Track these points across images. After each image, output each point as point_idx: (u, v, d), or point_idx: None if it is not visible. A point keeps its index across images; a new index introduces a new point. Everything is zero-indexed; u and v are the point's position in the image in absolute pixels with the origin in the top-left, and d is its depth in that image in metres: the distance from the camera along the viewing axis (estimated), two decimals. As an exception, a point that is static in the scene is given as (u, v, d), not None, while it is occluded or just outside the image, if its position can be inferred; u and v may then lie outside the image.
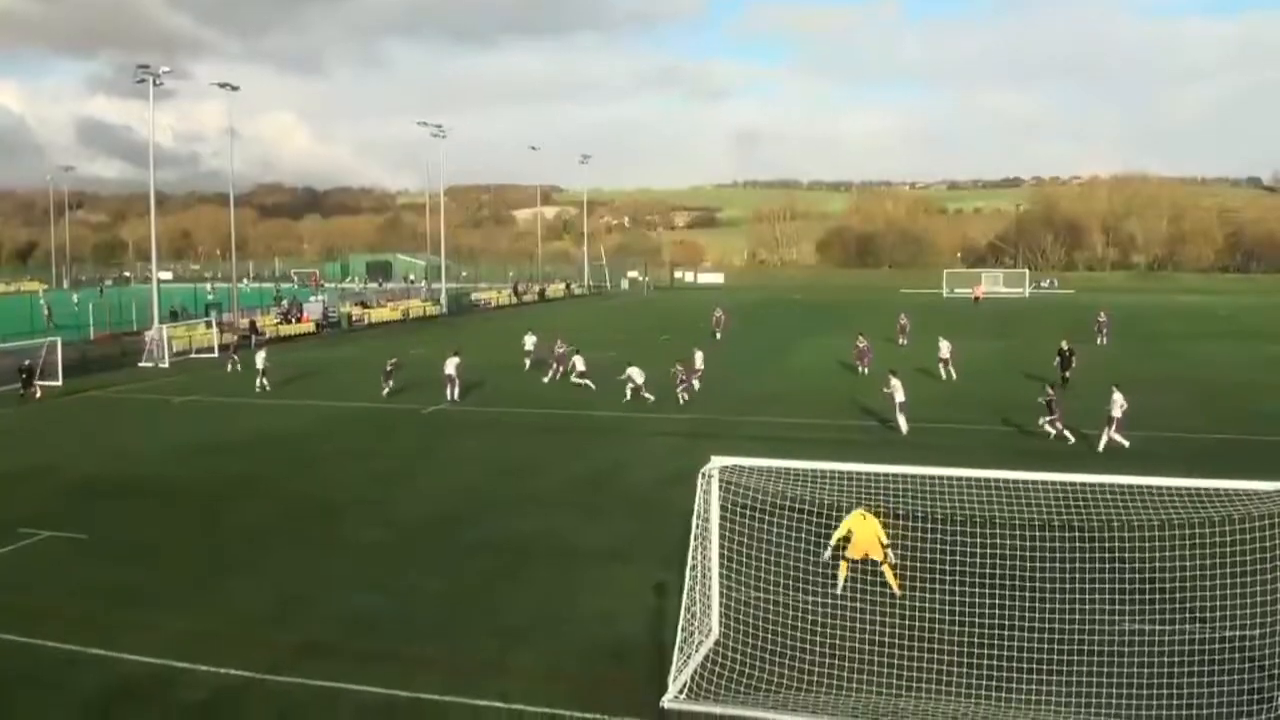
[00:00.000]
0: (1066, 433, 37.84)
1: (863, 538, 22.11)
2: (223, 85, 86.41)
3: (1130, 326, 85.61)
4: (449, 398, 48.88)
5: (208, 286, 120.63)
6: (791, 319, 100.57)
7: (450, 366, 49.85)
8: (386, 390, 50.13)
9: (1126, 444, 36.13)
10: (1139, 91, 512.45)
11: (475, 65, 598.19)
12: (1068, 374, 52.51)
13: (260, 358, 56.09)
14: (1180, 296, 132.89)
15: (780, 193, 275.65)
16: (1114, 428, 36.68)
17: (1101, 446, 36.22)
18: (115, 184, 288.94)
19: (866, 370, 56.52)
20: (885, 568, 21.94)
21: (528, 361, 60.55)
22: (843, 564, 22.13)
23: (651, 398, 46.75)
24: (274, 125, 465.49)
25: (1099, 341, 73.40)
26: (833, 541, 22.21)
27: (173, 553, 26.30)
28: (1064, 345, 55.01)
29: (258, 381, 54.47)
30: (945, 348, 56.45)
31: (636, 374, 48.09)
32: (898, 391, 40.16)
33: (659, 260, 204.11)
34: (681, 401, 46.78)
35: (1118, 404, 36.94)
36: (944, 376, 54.63)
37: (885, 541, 21.99)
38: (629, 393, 47.83)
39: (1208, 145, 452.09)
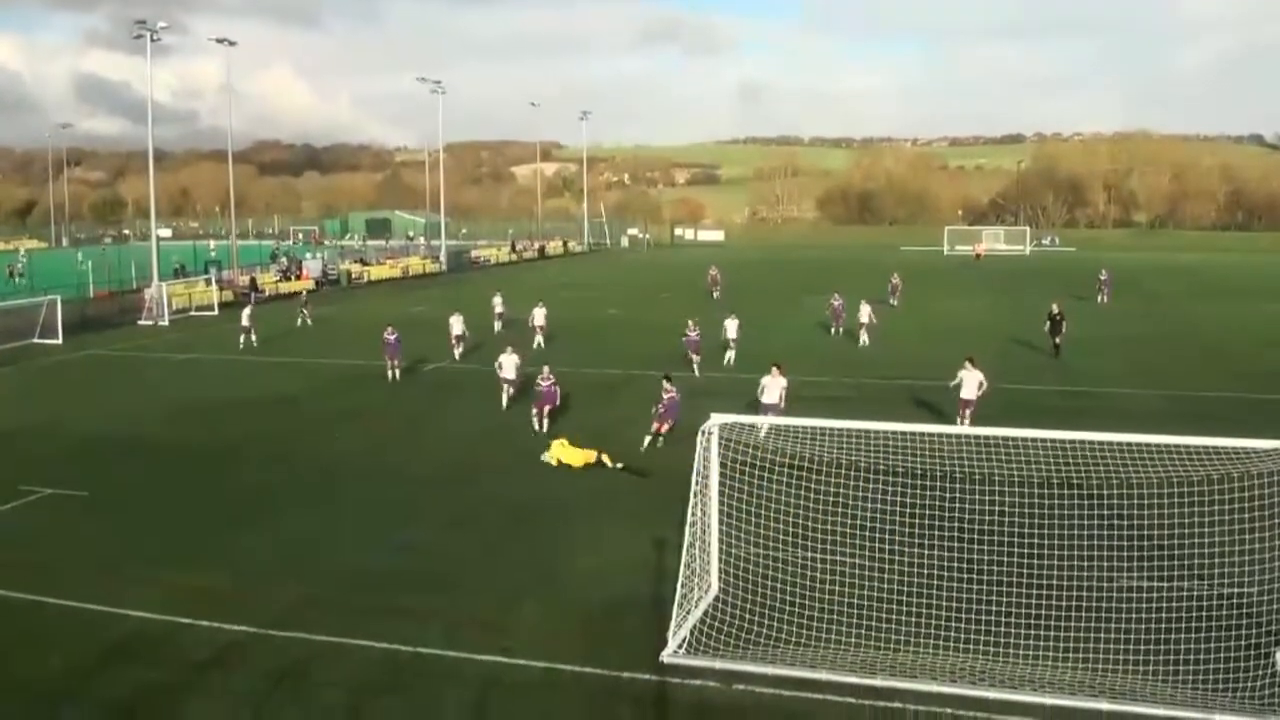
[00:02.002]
0: None
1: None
2: (220, 41, 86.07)
3: (1131, 285, 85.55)
4: (455, 357, 49.24)
5: (210, 244, 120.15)
6: (791, 276, 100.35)
7: (457, 325, 50.33)
8: (394, 368, 44.70)
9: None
10: (1142, 48, 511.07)
11: (474, 19, 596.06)
12: (1058, 340, 49.46)
13: (246, 314, 56.24)
14: (1181, 255, 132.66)
15: (781, 149, 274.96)
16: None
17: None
18: (114, 141, 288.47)
19: (840, 330, 56.28)
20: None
21: (498, 324, 59.14)
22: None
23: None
24: (272, 81, 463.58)
25: (1100, 300, 73.45)
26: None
27: (174, 509, 26.40)
28: (1054, 309, 50.49)
29: (242, 339, 54.66)
30: (865, 311, 53.90)
31: None
32: (966, 385, 33.43)
33: (659, 218, 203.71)
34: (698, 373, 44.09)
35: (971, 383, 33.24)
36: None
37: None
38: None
39: (1210, 102, 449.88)
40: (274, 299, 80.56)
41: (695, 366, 44.54)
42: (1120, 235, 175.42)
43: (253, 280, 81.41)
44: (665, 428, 31.54)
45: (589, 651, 17.84)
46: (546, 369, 35.07)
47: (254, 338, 54.85)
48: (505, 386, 38.12)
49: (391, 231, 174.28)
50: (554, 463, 30.32)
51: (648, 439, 31.54)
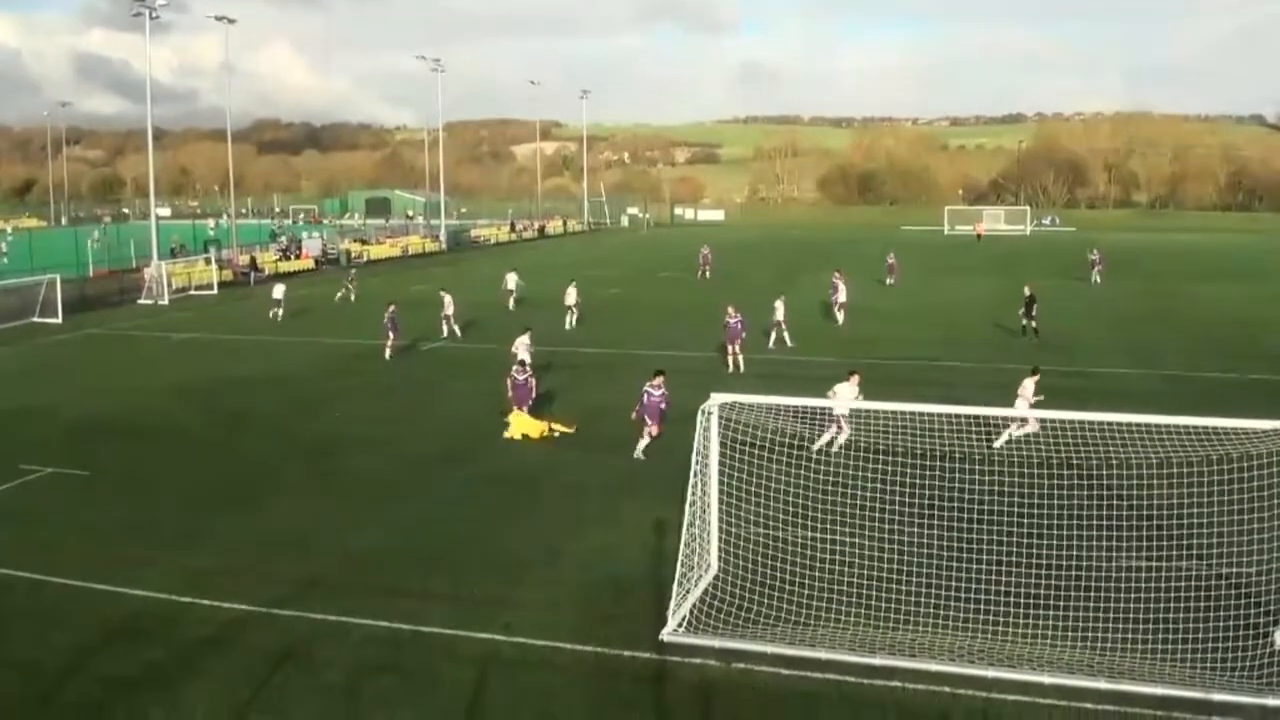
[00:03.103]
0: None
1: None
2: (220, 18, 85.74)
3: (1131, 265, 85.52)
4: (445, 335, 49.46)
5: (209, 223, 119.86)
6: (790, 256, 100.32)
7: (449, 305, 50.38)
8: (390, 347, 44.91)
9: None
10: (1143, 26, 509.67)
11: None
12: (1032, 322, 48.81)
13: (280, 289, 57.92)
14: (1181, 235, 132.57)
15: (781, 129, 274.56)
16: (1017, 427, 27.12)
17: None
18: (113, 119, 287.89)
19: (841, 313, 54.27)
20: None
21: (511, 302, 60.24)
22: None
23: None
24: (271, 59, 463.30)
25: (1094, 280, 73.50)
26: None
27: (175, 489, 26.41)
28: (1027, 290, 50.00)
29: (272, 313, 56.30)
30: (779, 309, 47.34)
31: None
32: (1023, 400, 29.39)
33: (659, 197, 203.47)
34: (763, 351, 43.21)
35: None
36: (787, 343, 46.35)
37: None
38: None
39: (1211, 82, 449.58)
40: (273, 278, 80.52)
41: (731, 360, 40.68)
42: (1121, 215, 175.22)
43: (252, 259, 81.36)
44: (655, 431, 28.39)
45: (589, 629, 17.90)
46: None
47: (280, 312, 56.37)
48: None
49: (391, 211, 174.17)
50: (516, 437, 31.04)
51: (642, 444, 28.58)
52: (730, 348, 40.87)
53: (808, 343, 45.47)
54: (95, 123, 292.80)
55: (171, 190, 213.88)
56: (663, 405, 28.40)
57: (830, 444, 25.37)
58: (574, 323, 52.69)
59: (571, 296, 53.74)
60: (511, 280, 61.84)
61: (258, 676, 16.44)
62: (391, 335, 44.70)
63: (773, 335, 45.26)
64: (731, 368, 40.32)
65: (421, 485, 26.77)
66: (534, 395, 32.32)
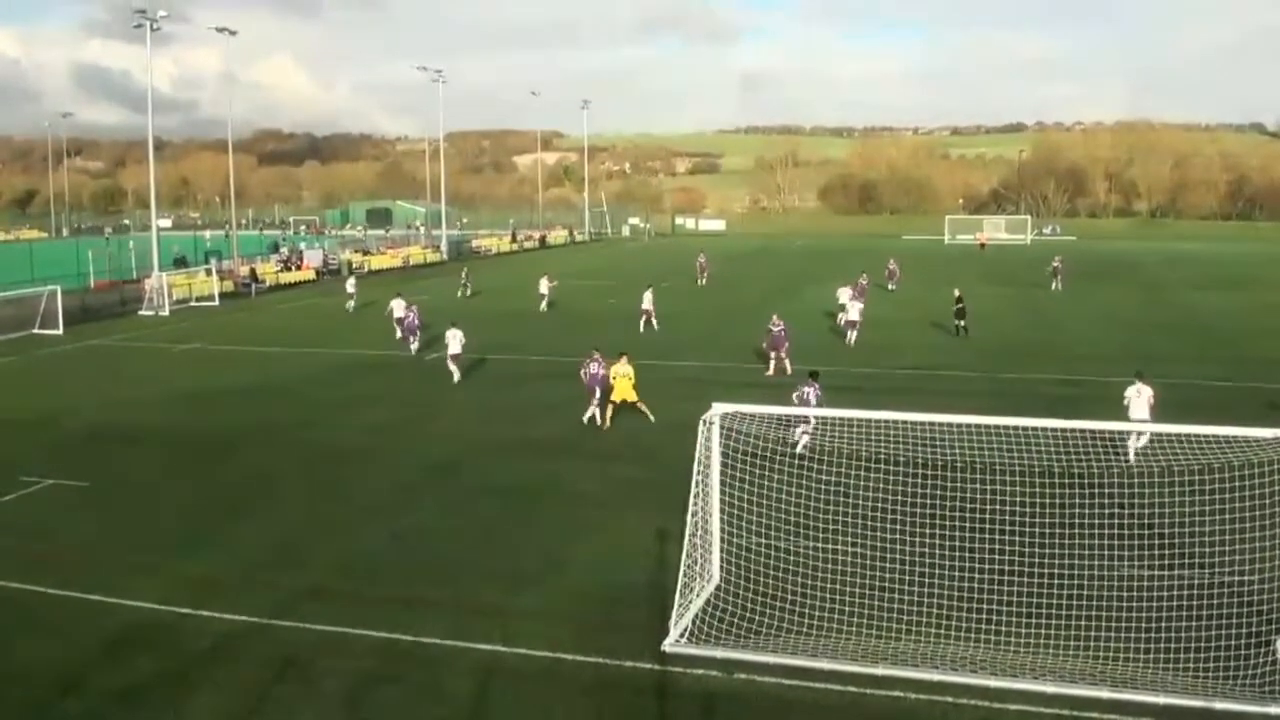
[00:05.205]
0: None
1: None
2: (221, 30, 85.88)
3: (1131, 273, 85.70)
4: (403, 340, 50.35)
5: (205, 235, 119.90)
6: (791, 266, 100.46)
7: (399, 309, 51.94)
8: (415, 346, 47.76)
9: None
10: (1144, 35, 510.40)
11: (476, 7, 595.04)
12: (963, 323, 52.27)
13: (351, 282, 67.48)
14: (1182, 244, 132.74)
15: (782, 138, 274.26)
16: None
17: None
18: (114, 130, 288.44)
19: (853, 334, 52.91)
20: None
21: (544, 304, 64.14)
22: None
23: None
24: (273, 70, 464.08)
25: (1054, 287, 75.39)
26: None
27: (175, 500, 26.39)
28: (956, 293, 54.10)
29: (349, 305, 64.37)
30: (647, 298, 55.26)
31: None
32: (1135, 405, 28.76)
33: (660, 207, 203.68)
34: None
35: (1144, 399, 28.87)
36: (651, 327, 53.42)
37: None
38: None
39: (1211, 91, 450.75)
40: (274, 289, 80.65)
41: (775, 365, 41.71)
42: (1121, 224, 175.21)
43: (253, 271, 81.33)
44: (593, 404, 33.22)
45: (590, 640, 17.85)
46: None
47: (354, 304, 64.31)
48: (450, 362, 40.84)
49: (392, 221, 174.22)
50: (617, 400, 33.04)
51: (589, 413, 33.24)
52: (775, 354, 41.89)
53: (813, 354, 45.07)
54: (97, 133, 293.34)
55: (172, 201, 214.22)
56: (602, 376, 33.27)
57: (798, 444, 25.23)
58: (655, 325, 54.07)
59: (647, 301, 55.12)
60: (544, 284, 65.50)
61: (258, 688, 16.41)
62: (414, 336, 47.29)
63: (773, 361, 42.77)
64: (774, 371, 41.38)
65: (422, 495, 26.73)
66: (605, 386, 33.58)
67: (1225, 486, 18.84)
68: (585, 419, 33.37)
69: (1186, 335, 52.69)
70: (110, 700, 16.19)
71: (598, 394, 33.36)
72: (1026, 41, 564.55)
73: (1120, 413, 27.86)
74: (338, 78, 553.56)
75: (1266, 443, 17.35)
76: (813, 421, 27.16)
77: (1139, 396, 28.64)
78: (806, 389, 29.58)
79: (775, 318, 42.96)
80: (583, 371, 34.04)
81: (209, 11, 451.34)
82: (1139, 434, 26.08)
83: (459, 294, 72.24)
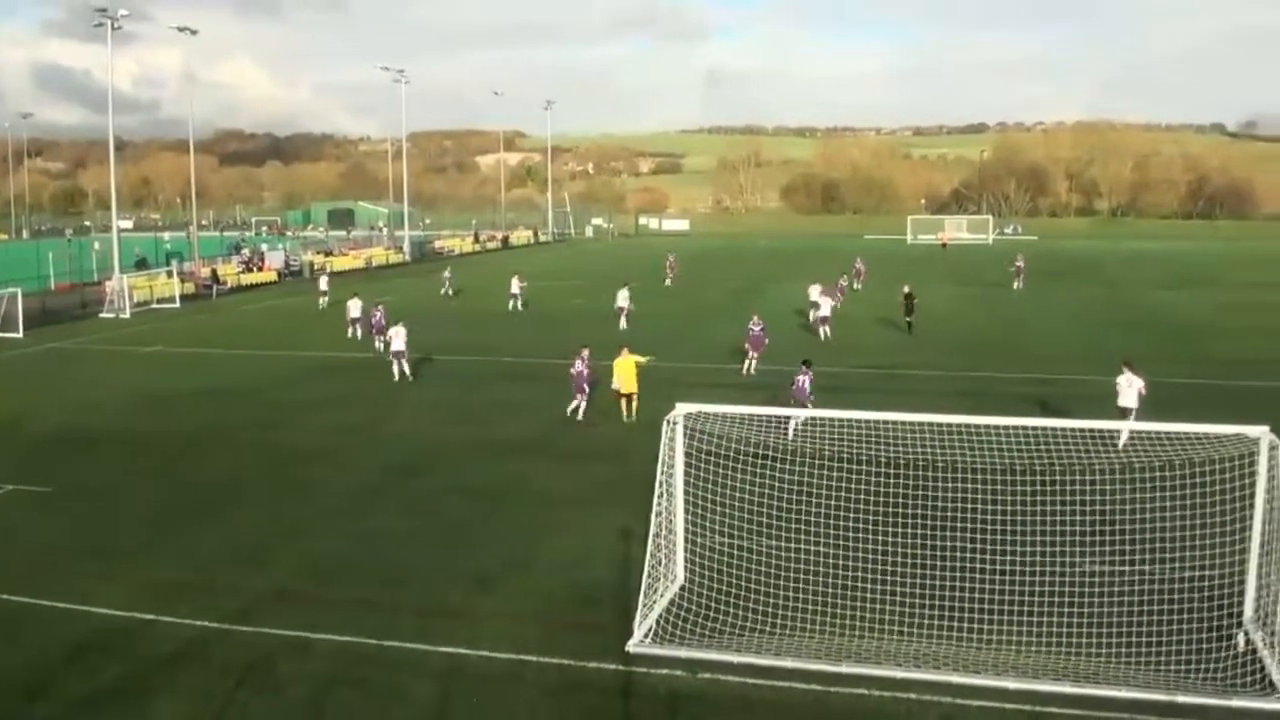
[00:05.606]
0: None
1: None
2: (183, 29, 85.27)
3: (1093, 272, 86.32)
4: (352, 336, 51.92)
5: (164, 236, 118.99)
6: (756, 266, 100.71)
7: (355, 309, 53.00)
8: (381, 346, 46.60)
9: None
10: (1105, 38, 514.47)
11: (438, 7, 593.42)
12: (911, 318, 53.61)
13: (323, 282, 68.20)
14: (1143, 243, 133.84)
15: (745, 139, 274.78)
16: None
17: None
18: (75, 130, 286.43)
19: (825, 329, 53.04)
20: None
21: (513, 303, 64.64)
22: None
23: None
24: (235, 70, 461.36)
25: (1015, 286, 76.29)
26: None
27: (138, 504, 26.15)
28: (906, 289, 55.13)
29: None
30: (623, 296, 56.57)
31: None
32: (1125, 394, 30.08)
33: (623, 207, 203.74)
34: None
35: None
36: (621, 326, 54.09)
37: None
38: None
39: (1175, 91, 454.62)
40: (235, 291, 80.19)
41: (746, 367, 41.95)
42: (1083, 224, 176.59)
43: (214, 272, 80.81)
44: (578, 400, 34.29)
45: (556, 641, 17.83)
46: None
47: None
48: (395, 359, 41.56)
49: (354, 222, 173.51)
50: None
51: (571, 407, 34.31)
52: (752, 353, 42.11)
53: (784, 352, 44.86)
54: (57, 133, 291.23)
55: (133, 202, 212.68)
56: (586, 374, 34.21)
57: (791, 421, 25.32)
58: (624, 325, 54.39)
59: (622, 298, 56.34)
60: (515, 284, 65.66)
61: (221, 694, 16.27)
62: (379, 336, 46.81)
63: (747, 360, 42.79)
64: (747, 371, 41.73)
65: (386, 497, 26.61)
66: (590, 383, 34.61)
67: (1186, 482, 18.98)
68: (569, 411, 34.37)
69: (1147, 334, 53.07)
70: (73, 708, 16.03)
71: (585, 390, 34.19)
72: (990, 43, 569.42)
73: (1106, 408, 28.12)
74: (300, 77, 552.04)
75: (1226, 439, 17.51)
76: (809, 407, 28.84)
77: (1129, 386, 29.79)
78: (801, 377, 31.29)
79: (756, 318, 43.46)
80: (572, 369, 34.54)
81: (170, 11, 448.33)
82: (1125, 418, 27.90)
83: (442, 292, 73.38)
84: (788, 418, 25.03)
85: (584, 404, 34.32)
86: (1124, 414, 29.13)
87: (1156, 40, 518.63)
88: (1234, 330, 55.00)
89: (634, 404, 33.52)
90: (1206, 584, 18.45)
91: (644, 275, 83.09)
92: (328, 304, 64.65)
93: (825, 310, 52.60)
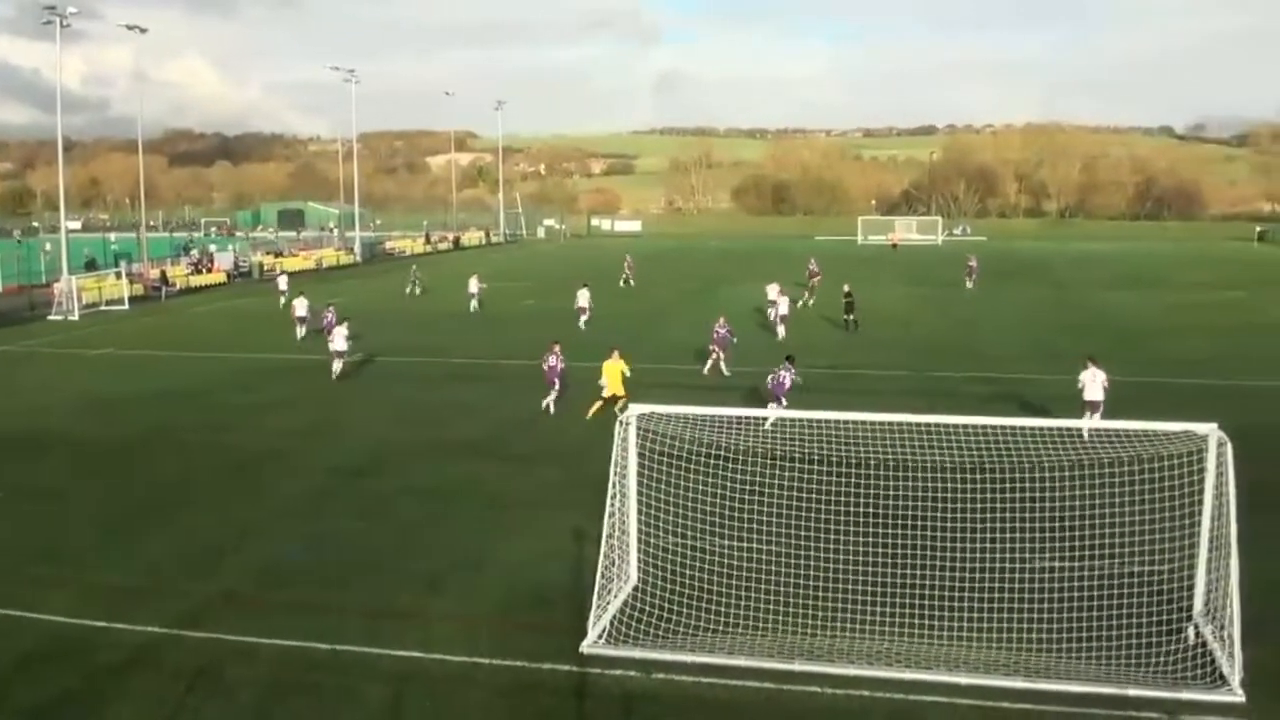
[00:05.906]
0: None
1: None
2: (132, 27, 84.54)
3: (1041, 273, 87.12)
4: (298, 337, 52.19)
5: (111, 236, 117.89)
6: (708, 267, 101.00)
7: (300, 308, 53.61)
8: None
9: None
10: (1054, 41, 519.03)
11: (391, 6, 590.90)
12: (852, 316, 54.77)
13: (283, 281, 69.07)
14: (1091, 244, 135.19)
15: (697, 140, 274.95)
16: None
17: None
18: (22, 130, 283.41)
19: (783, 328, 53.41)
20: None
21: (473, 304, 64.61)
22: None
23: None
24: (185, 69, 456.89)
25: (967, 285, 77.61)
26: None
27: (86, 508, 25.82)
28: (845, 288, 56.61)
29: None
30: (583, 296, 56.99)
31: None
32: (1090, 388, 30.82)
33: (575, 208, 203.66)
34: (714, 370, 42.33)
35: None
36: (580, 327, 54.11)
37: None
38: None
39: (1123, 94, 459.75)
40: (185, 293, 79.54)
41: (708, 366, 42.06)
42: (1031, 225, 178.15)
43: (163, 274, 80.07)
44: (551, 394, 35.28)
45: (509, 643, 17.76)
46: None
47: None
48: (335, 358, 41.98)
49: (305, 223, 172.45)
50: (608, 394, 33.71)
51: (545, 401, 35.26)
52: (715, 353, 42.33)
53: (739, 350, 44.74)
54: (5, 133, 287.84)
55: (82, 203, 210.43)
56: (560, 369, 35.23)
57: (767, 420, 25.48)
58: (583, 325, 54.58)
59: (582, 299, 56.62)
60: (473, 284, 65.74)
61: (172, 699, 16.08)
62: (330, 335, 45.08)
63: (710, 359, 42.62)
64: (709, 371, 42.03)
65: (338, 499, 26.42)
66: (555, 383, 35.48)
67: (1134, 479, 19.15)
68: (543, 405, 35.29)
69: (1095, 333, 53.50)
70: (23, 717, 15.81)
71: (556, 386, 35.23)
72: (940, 46, 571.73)
73: (1057, 407, 28.28)
74: (250, 76, 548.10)
75: (1173, 436, 17.68)
76: (784, 401, 30.33)
77: (1093, 381, 30.63)
78: (782, 372, 32.16)
79: (722, 319, 43.71)
80: (543, 364, 35.67)
81: (120, 9, 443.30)
82: (1090, 415, 29.38)
83: (408, 291, 74.11)
84: (765, 418, 25.17)
85: (553, 399, 35.22)
86: (1091, 408, 30.21)
87: (1106, 43, 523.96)
88: (1181, 330, 55.75)
89: (618, 404, 33.16)
90: (1156, 579, 18.62)
91: (597, 276, 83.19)
92: (288, 302, 63.96)
93: (784, 309, 53.25)
